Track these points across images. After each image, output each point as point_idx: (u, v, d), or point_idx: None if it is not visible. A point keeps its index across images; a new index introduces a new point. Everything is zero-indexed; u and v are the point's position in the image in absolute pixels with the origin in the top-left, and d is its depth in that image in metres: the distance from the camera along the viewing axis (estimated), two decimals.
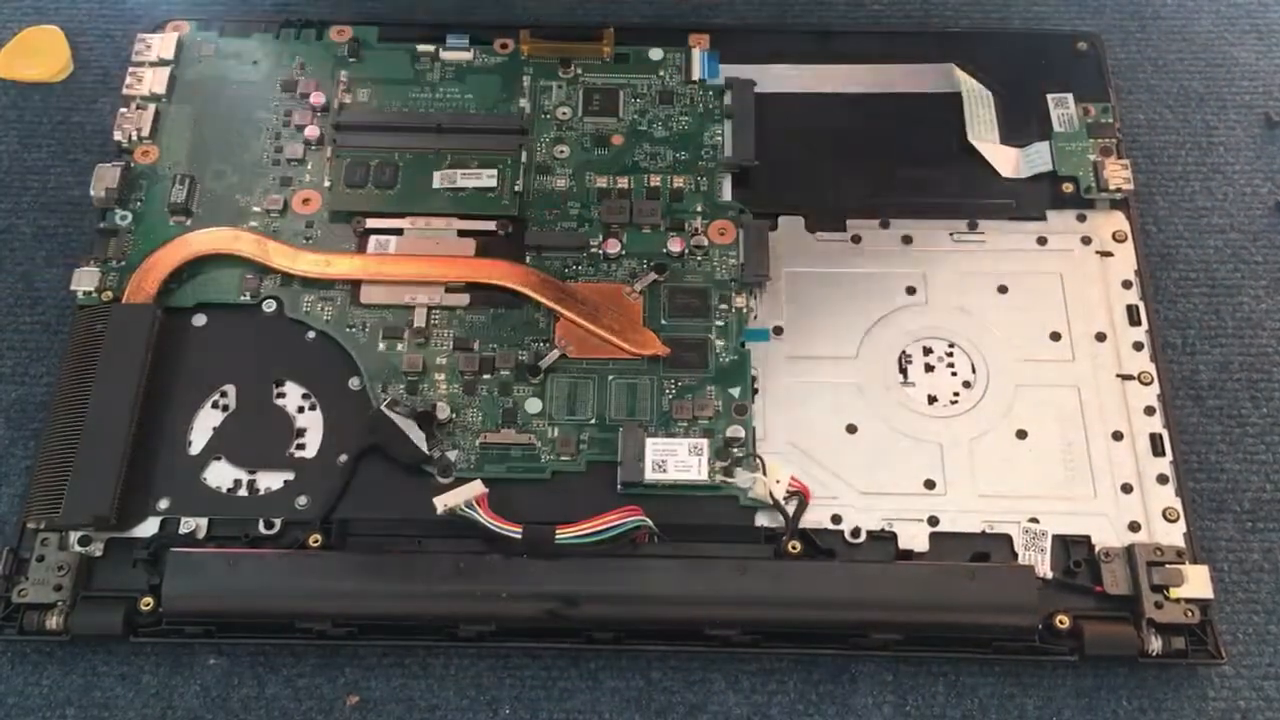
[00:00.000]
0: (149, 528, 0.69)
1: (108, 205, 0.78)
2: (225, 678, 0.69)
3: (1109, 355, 0.75)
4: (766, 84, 0.84)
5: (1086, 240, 0.79)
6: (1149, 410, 0.73)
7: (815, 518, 0.70)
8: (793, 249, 0.78)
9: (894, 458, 0.72)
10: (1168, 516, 0.70)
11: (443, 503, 0.67)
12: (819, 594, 0.66)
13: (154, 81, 0.83)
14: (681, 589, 0.66)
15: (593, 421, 0.72)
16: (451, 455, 0.71)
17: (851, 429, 0.73)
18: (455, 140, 0.81)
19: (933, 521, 0.70)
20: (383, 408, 0.71)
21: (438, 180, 0.79)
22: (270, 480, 0.71)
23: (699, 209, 0.79)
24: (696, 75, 0.84)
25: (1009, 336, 0.75)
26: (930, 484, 0.71)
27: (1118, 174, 0.79)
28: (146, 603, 0.67)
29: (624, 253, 0.77)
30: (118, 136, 0.81)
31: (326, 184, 0.80)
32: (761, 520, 0.70)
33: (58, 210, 0.84)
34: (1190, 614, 0.67)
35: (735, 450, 0.71)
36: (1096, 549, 0.69)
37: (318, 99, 0.82)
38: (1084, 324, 0.76)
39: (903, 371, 0.75)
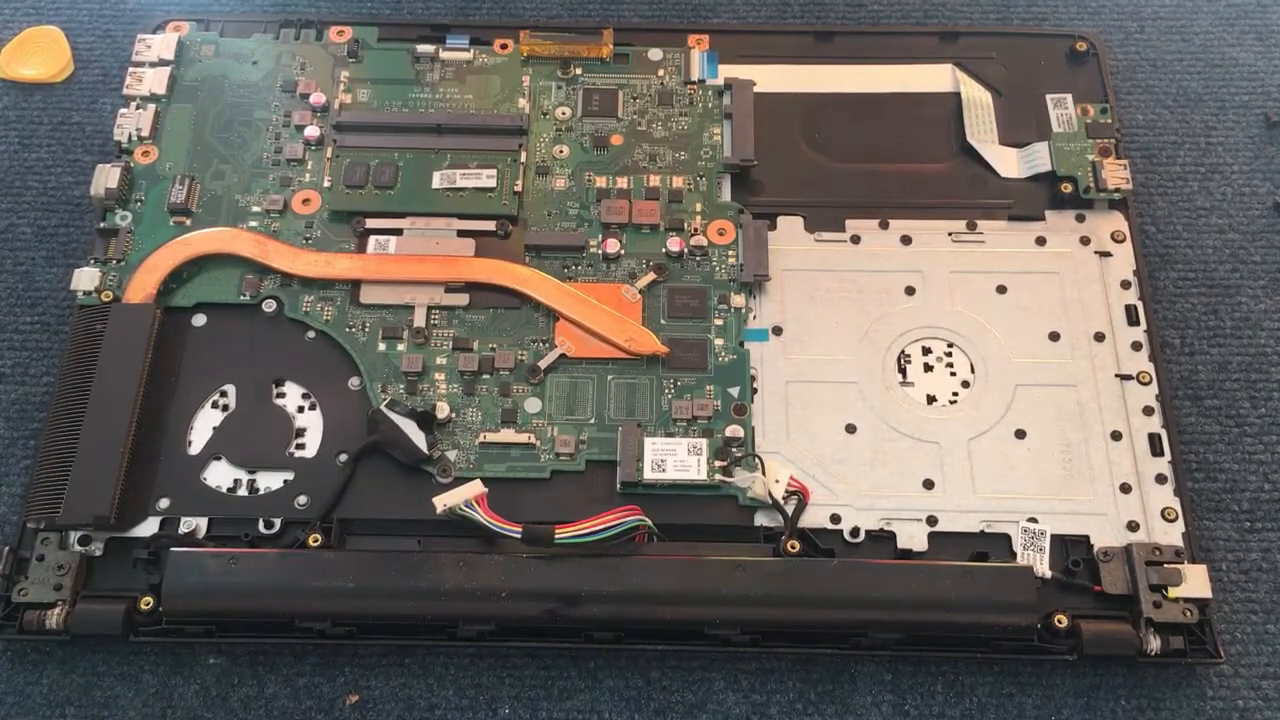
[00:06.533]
0: (149, 527, 0.70)
1: (108, 205, 0.79)
2: (225, 677, 0.69)
3: (1108, 355, 0.75)
4: (766, 84, 0.84)
5: (1085, 240, 0.79)
6: (1147, 410, 0.73)
7: (814, 517, 0.70)
8: (792, 249, 0.78)
9: (893, 457, 0.72)
10: (1166, 516, 0.70)
11: (442, 502, 0.67)
12: (818, 594, 0.66)
13: (154, 82, 0.83)
14: (680, 588, 0.66)
15: (592, 421, 0.72)
16: (451, 455, 0.71)
17: (850, 429, 0.73)
18: (455, 140, 0.81)
19: (931, 521, 0.70)
20: (382, 407, 0.71)
21: (437, 180, 0.79)
22: (270, 480, 0.71)
23: (698, 209, 0.79)
24: (696, 75, 0.84)
25: (1008, 336, 0.76)
26: (929, 484, 0.71)
27: (1116, 174, 0.79)
28: (146, 602, 0.67)
29: (623, 253, 0.78)
30: (118, 136, 0.81)
31: (326, 184, 0.80)
32: (760, 520, 0.70)
33: (58, 210, 0.84)
34: (1189, 613, 0.67)
35: (734, 450, 0.71)
36: (1095, 548, 0.69)
37: (318, 99, 0.82)
38: (1083, 324, 0.76)
39: (901, 371, 0.75)
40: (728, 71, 0.84)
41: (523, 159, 0.80)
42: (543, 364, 0.74)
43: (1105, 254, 0.78)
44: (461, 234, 0.78)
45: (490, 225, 0.78)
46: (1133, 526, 0.70)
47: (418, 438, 0.70)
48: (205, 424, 0.73)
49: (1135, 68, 0.90)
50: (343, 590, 0.66)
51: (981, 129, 0.83)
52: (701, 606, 0.66)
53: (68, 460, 0.69)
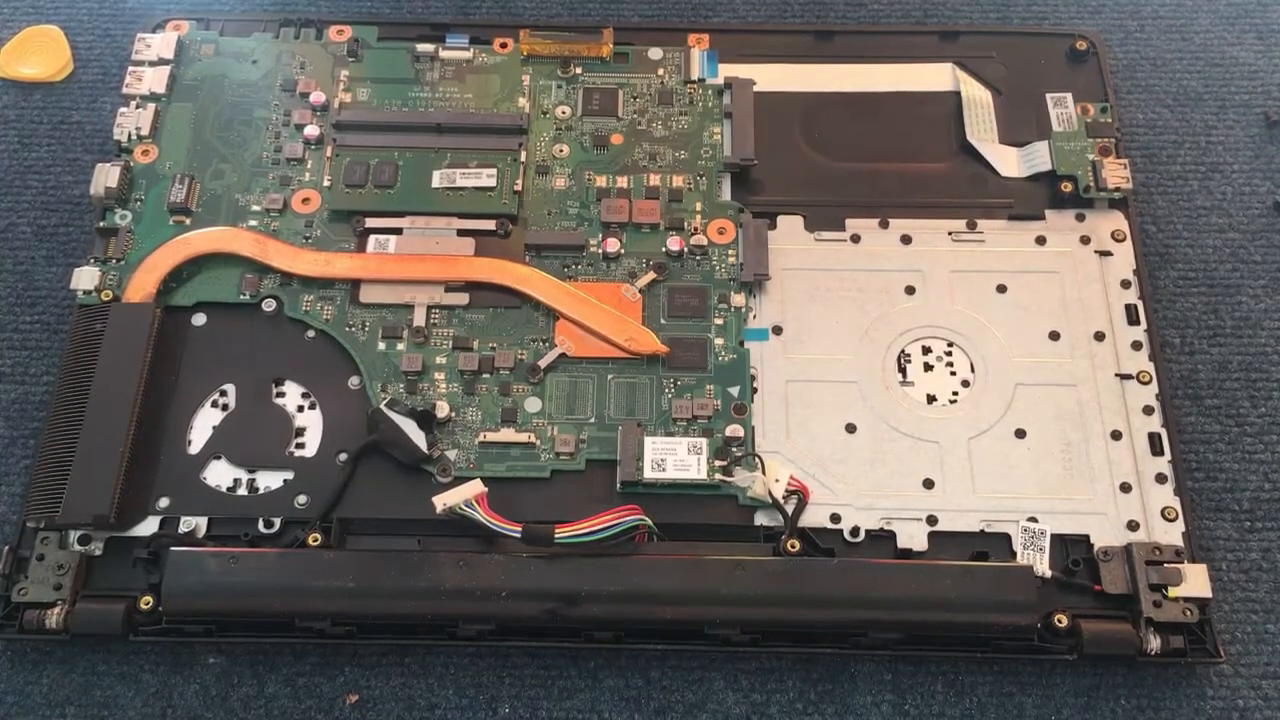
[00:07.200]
0: (149, 527, 0.70)
1: (108, 205, 0.79)
2: (225, 677, 0.69)
3: (1108, 354, 0.75)
4: (766, 83, 0.84)
5: (1085, 240, 0.79)
6: (1147, 409, 0.73)
7: (814, 517, 0.70)
8: (792, 248, 0.78)
9: (893, 457, 0.72)
10: (1166, 516, 0.70)
11: (442, 502, 0.67)
12: (818, 593, 0.66)
13: (154, 81, 0.83)
14: (680, 588, 0.66)
15: (592, 421, 0.72)
16: (451, 454, 0.71)
17: (850, 428, 0.73)
18: (454, 140, 0.81)
19: (931, 520, 0.70)
20: (382, 407, 0.71)
21: (437, 180, 0.79)
22: (270, 479, 0.71)
23: (698, 208, 0.79)
24: (696, 75, 0.84)
25: (1008, 336, 0.76)
26: (929, 483, 0.71)
27: (1116, 173, 0.79)
28: (146, 602, 0.67)
29: (623, 252, 0.78)
30: (118, 136, 0.81)
31: (326, 183, 0.80)
32: (760, 519, 0.70)
33: (58, 210, 0.84)
34: (1189, 613, 0.67)
35: (734, 449, 0.71)
36: (1095, 548, 0.69)
37: (317, 98, 0.82)
38: (1083, 323, 0.76)
39: (901, 371, 0.75)
40: (728, 71, 0.84)
41: (523, 158, 0.80)
42: (543, 363, 0.74)
43: (1105, 253, 0.78)
44: (461, 233, 0.78)
45: (490, 225, 0.78)
46: (1133, 526, 0.70)
47: (418, 437, 0.70)
48: (205, 423, 0.73)
49: (1135, 67, 0.90)
50: (343, 590, 0.66)
51: (981, 128, 0.83)
52: (701, 606, 0.66)
53: (67, 460, 0.69)
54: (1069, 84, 0.84)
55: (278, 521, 0.70)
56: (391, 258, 0.77)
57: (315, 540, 0.68)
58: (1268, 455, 0.76)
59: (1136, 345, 0.75)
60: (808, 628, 0.67)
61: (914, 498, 0.71)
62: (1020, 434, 0.73)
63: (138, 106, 0.82)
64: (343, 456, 0.71)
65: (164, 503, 0.70)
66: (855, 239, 0.79)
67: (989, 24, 0.91)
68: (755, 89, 0.83)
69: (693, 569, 0.67)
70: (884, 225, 0.79)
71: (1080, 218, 0.80)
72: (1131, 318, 0.76)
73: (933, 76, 0.86)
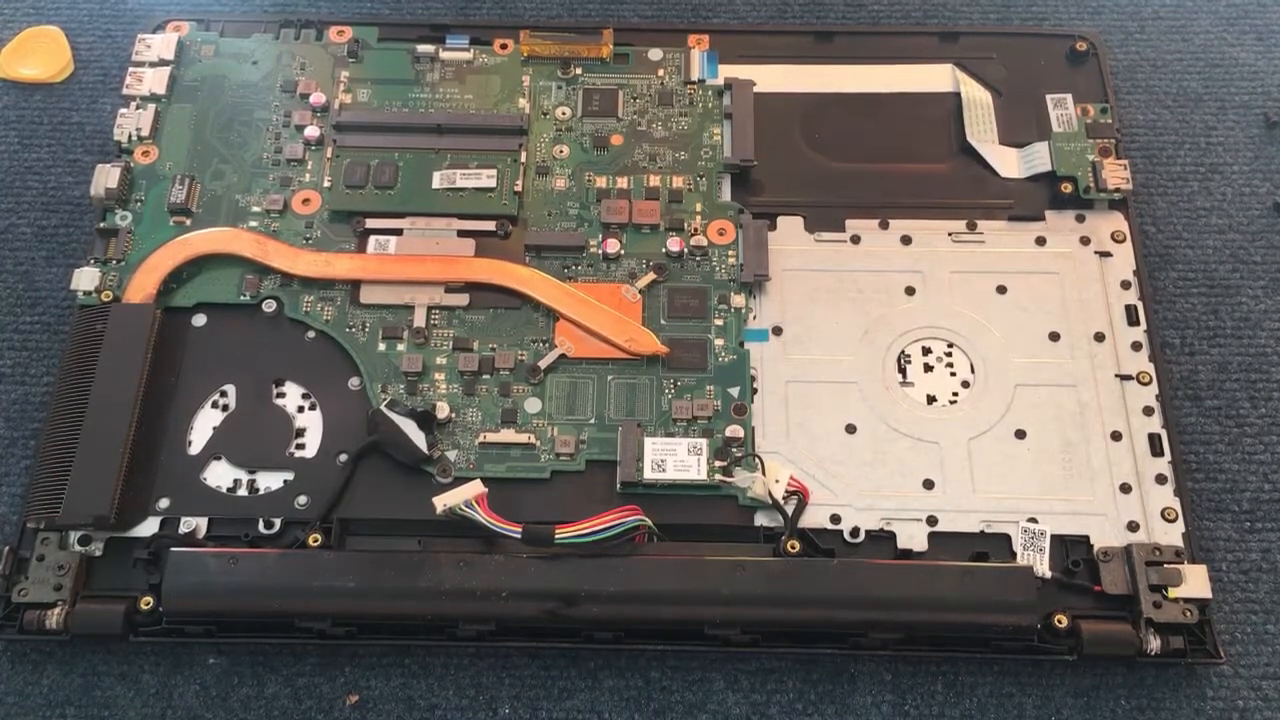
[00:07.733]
0: (149, 527, 0.70)
1: (108, 205, 0.79)
2: (225, 677, 0.69)
3: (1108, 355, 0.75)
4: (766, 84, 0.84)
5: (1085, 240, 0.79)
6: (1147, 410, 0.73)
7: (814, 517, 0.70)
8: (792, 249, 0.78)
9: (893, 457, 0.72)
10: (1166, 516, 0.70)
11: (442, 502, 0.67)
12: (818, 594, 0.66)
13: (154, 81, 0.83)
14: (680, 588, 0.66)
15: (592, 421, 0.72)
16: (451, 455, 0.71)
17: (850, 429, 0.73)
18: (455, 140, 0.81)
19: (931, 521, 0.70)
20: (382, 407, 0.71)
21: (437, 180, 0.79)
22: (270, 480, 0.71)
23: (698, 209, 0.79)
24: (696, 75, 0.84)
25: (1008, 336, 0.76)
26: (929, 484, 0.71)
27: (1116, 174, 0.79)
28: (146, 602, 0.67)
29: (623, 253, 0.78)
30: (118, 136, 0.81)
31: (326, 184, 0.80)
32: (760, 520, 0.70)
33: (58, 210, 0.84)
34: (1188, 614, 0.67)
35: (734, 450, 0.71)
36: (1095, 549, 0.69)
37: (318, 99, 0.82)
38: (1083, 324, 0.76)
39: (901, 371, 0.75)
40: (728, 71, 0.84)
41: (523, 159, 0.80)
42: (543, 364, 0.74)
43: (1105, 254, 0.78)
44: (461, 234, 0.78)
45: (490, 225, 0.78)
46: (1133, 526, 0.70)
47: (418, 438, 0.70)
48: (205, 424, 0.73)
49: (1135, 68, 0.90)
50: (343, 590, 0.66)
51: (981, 129, 0.83)
52: (701, 606, 0.66)
53: (68, 460, 0.69)
54: (1069, 85, 0.84)
55: (278, 522, 0.70)
56: (392, 258, 0.77)
57: (315, 541, 0.68)
58: (1268, 456, 0.76)
59: (1136, 346, 0.75)
60: (808, 628, 0.67)
61: (914, 498, 0.71)
62: (1020, 434, 0.73)
63: (138, 107, 0.82)
64: (343, 457, 0.71)
65: (164, 503, 0.70)
66: (855, 239, 0.79)
67: (989, 25, 0.91)
68: (755, 90, 0.83)
69: (693, 569, 0.67)
70: (884, 226, 0.79)
71: (1080, 218, 0.80)
72: (1131, 318, 0.76)
73: (933, 77, 0.86)
